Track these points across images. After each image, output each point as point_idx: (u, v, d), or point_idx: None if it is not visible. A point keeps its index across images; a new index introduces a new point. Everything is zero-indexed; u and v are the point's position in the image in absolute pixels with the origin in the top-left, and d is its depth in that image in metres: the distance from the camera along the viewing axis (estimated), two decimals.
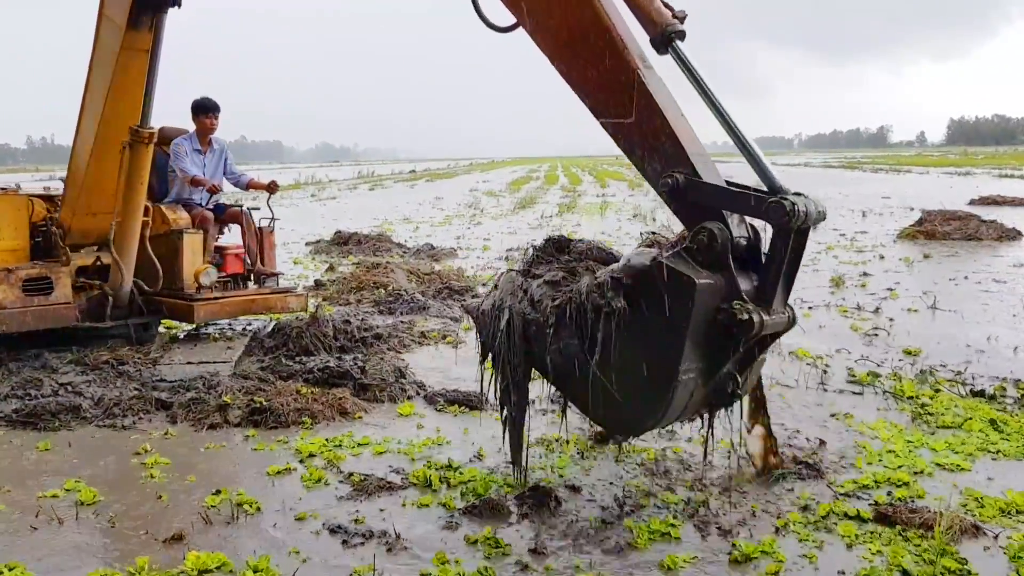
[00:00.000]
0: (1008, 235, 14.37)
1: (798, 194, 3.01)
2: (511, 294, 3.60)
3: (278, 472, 4.25)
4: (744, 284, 3.07)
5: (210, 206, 7.58)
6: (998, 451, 4.40)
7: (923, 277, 10.36)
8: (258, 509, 3.80)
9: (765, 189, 3.10)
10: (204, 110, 7.42)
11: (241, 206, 7.69)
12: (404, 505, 3.84)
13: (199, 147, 7.41)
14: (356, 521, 3.65)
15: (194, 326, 7.51)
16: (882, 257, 12.19)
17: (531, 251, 3.81)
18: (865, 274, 10.53)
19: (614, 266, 3.30)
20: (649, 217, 18.59)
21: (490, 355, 3.78)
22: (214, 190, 7.32)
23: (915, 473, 4.12)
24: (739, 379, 3.19)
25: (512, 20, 3.52)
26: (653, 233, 3.89)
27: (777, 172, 3.10)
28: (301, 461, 4.39)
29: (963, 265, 11.40)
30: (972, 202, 21.58)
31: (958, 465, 4.21)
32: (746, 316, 2.98)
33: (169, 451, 4.56)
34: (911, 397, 5.31)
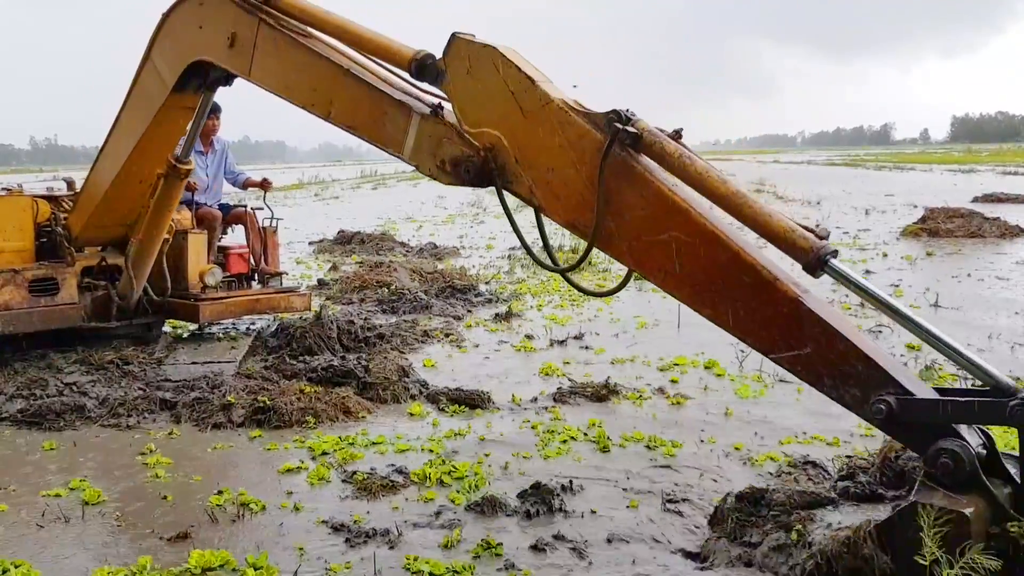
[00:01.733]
0: (1011, 232, 14.36)
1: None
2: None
3: (282, 471, 4.28)
4: (998, 494, 2.70)
5: (214, 206, 7.63)
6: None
7: (926, 275, 10.37)
8: (263, 508, 3.83)
9: (980, 388, 2.82)
10: None
11: (245, 206, 7.74)
12: (406, 503, 3.87)
13: (201, 148, 7.43)
14: (359, 520, 3.68)
15: (199, 326, 7.55)
16: (885, 255, 12.20)
17: (728, 516, 3.38)
18: (868, 272, 10.54)
19: (860, 522, 2.91)
20: None
21: None
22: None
23: None
24: None
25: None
26: (848, 457, 3.71)
27: (994, 367, 2.79)
28: (309, 460, 4.42)
29: (966, 262, 11.40)
30: (975, 199, 21.55)
31: None
32: None
33: (174, 451, 4.60)
34: None
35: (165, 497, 3.97)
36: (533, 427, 4.91)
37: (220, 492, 3.97)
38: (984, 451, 2.72)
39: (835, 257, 2.80)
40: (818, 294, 2.87)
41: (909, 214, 17.79)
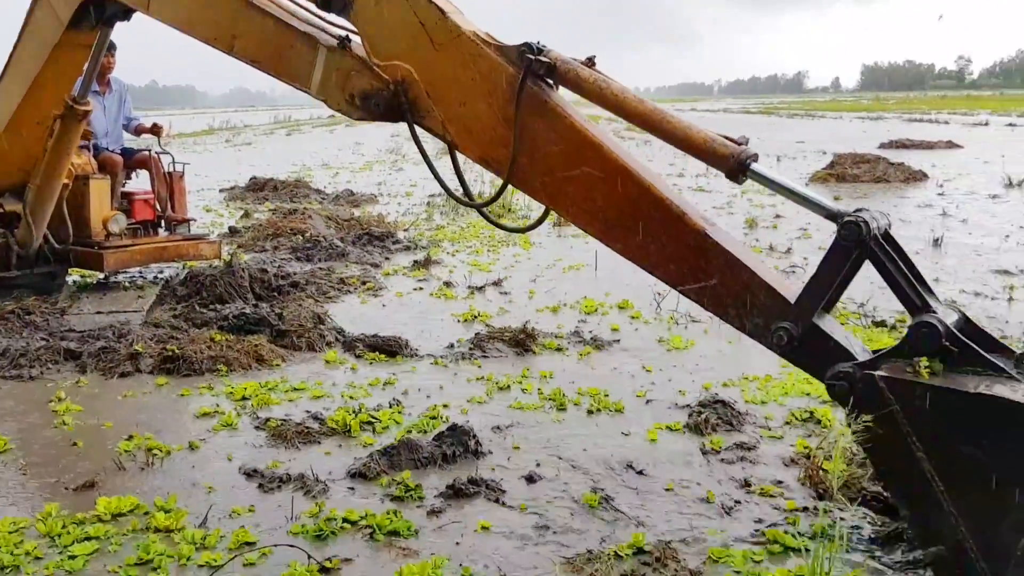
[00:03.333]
0: (914, 177, 14.87)
1: (858, 210, 2.76)
2: None
3: (194, 418, 4.21)
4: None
5: (116, 150, 7.33)
6: None
7: None
8: (167, 453, 3.78)
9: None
10: None
11: (149, 150, 7.46)
12: (323, 450, 3.84)
13: (97, 88, 7.09)
14: (273, 465, 3.64)
15: (103, 275, 7.31)
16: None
17: None
18: (778, 216, 10.79)
19: None
20: None
21: None
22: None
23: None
24: None
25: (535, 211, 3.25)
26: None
27: (828, 201, 2.83)
28: (224, 405, 4.35)
29: (871, 206, 11.63)
30: (882, 146, 22.23)
31: None
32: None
33: (83, 399, 4.46)
34: None
35: (75, 444, 3.88)
36: (474, 377, 4.91)
37: (129, 438, 3.90)
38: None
39: (756, 161, 2.85)
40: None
41: (818, 160, 18.22)
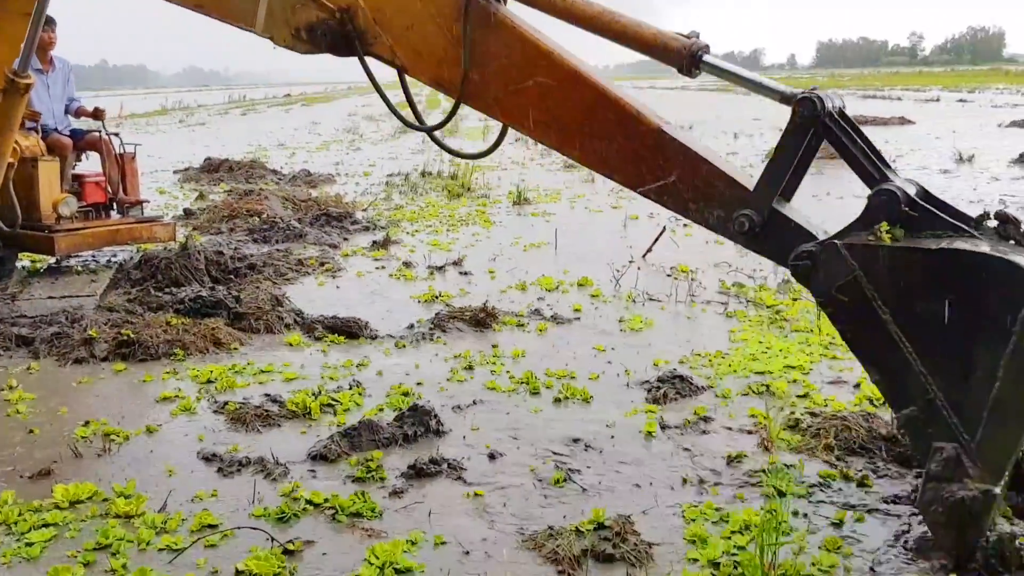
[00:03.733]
0: None
1: (812, 88, 2.77)
2: None
3: (153, 403, 4.16)
4: None
5: (66, 131, 7.18)
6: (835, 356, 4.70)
7: None
8: (126, 438, 3.74)
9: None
10: None
11: (100, 132, 7.30)
12: (282, 432, 3.82)
13: (39, 66, 6.91)
14: (233, 449, 3.62)
15: (55, 259, 7.17)
16: (751, 176, 12.57)
17: None
18: None
19: None
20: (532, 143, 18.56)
21: None
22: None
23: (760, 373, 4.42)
24: None
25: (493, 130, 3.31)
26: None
27: (781, 84, 2.87)
28: (182, 391, 4.30)
29: (825, 182, 11.91)
30: None
31: (801, 366, 4.54)
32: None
33: (34, 387, 4.39)
34: (770, 306, 5.61)
35: (31, 431, 3.82)
36: (435, 357, 4.91)
37: (85, 424, 3.85)
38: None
39: (707, 52, 2.87)
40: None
41: (775, 137, 18.31)
